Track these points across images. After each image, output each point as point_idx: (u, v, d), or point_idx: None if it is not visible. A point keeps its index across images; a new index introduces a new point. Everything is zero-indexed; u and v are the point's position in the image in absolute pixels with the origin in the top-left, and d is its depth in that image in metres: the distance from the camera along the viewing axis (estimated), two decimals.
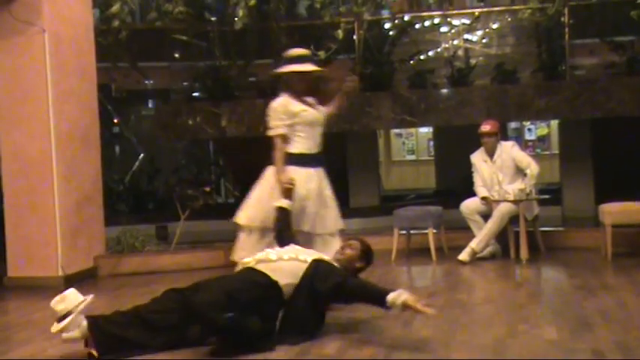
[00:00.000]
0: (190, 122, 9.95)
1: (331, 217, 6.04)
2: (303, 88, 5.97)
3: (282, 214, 5.64)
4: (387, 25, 10.68)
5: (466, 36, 10.57)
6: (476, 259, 7.93)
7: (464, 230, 8.28)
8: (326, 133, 9.49)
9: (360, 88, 10.05)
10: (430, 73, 10.11)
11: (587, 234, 8.64)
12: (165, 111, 10.90)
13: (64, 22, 7.73)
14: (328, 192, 6.05)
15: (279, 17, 10.20)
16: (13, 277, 7.58)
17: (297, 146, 5.92)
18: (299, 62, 5.94)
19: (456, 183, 11.13)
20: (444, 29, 10.72)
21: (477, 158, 8.37)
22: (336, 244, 5.77)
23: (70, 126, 7.76)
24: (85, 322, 4.58)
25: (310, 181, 5.90)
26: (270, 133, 5.92)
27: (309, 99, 6.05)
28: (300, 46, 10.08)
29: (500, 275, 7.52)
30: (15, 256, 7.60)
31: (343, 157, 11.79)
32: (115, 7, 9.94)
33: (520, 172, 8.13)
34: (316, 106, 6.05)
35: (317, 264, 4.88)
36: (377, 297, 4.65)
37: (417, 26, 10.69)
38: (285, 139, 5.89)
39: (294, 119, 5.89)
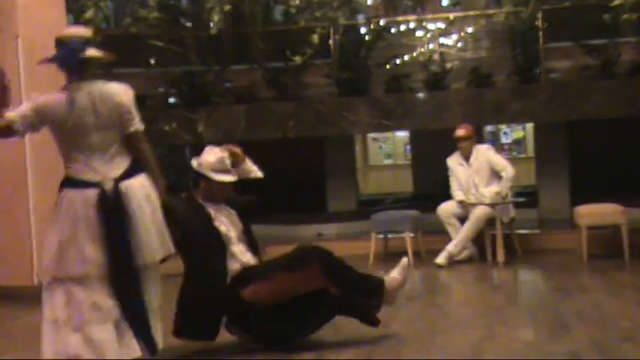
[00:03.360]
0: (167, 128, 9.91)
1: None
2: None
3: None
4: (362, 30, 10.68)
5: (441, 40, 10.59)
6: (453, 262, 7.95)
7: (441, 234, 8.30)
8: (303, 139, 9.54)
9: (336, 93, 10.07)
10: (406, 77, 10.13)
11: (563, 236, 8.69)
12: (141, 117, 10.83)
13: (38, 28, 7.65)
14: None
15: (254, 22, 10.18)
16: None
17: None
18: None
19: (433, 187, 11.16)
20: (419, 33, 10.74)
21: (454, 162, 8.39)
22: None
23: (44, 133, 7.64)
24: None
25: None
26: (140, 126, 4.63)
27: None
28: (277, 52, 10.24)
29: (477, 278, 7.55)
30: None
31: (321, 162, 11.79)
32: (89, 13, 9.88)
33: (496, 175, 8.17)
34: None
35: None
36: None
37: (393, 30, 10.70)
38: None
39: None
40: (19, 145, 7.39)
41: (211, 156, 4.97)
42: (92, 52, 4.55)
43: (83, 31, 4.73)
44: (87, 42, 4.59)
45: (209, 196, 4.98)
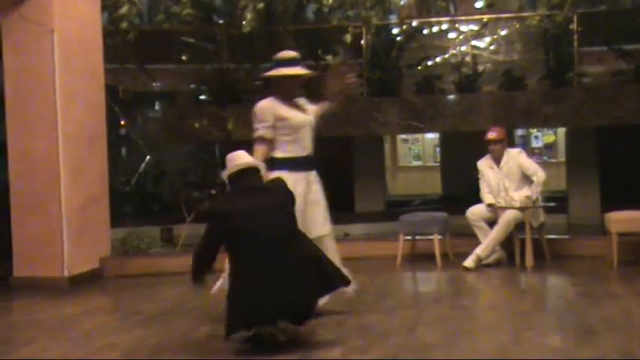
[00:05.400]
0: (197, 125, 9.97)
1: (314, 220, 5.73)
2: (293, 91, 5.81)
3: None
4: (395, 30, 10.68)
5: (474, 42, 10.57)
6: (481, 265, 7.91)
7: (469, 237, 8.26)
8: (332, 138, 9.55)
9: (366, 93, 10.06)
10: (437, 78, 10.11)
11: (592, 242, 8.60)
12: (171, 113, 10.92)
13: (73, 23, 7.75)
14: (315, 196, 5.79)
15: (286, 21, 10.21)
16: (18, 276, 7.58)
17: (284, 150, 5.69)
18: (289, 65, 5.77)
19: (462, 189, 11.11)
20: (451, 35, 10.72)
21: (484, 165, 8.35)
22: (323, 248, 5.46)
23: (77, 126, 7.77)
24: None
25: (297, 186, 5.55)
26: (254, 134, 5.71)
27: (299, 101, 5.88)
28: (308, 51, 10.24)
29: (505, 282, 7.51)
30: (20, 256, 7.60)
31: (349, 162, 11.79)
32: (124, 9, 9.97)
33: (526, 179, 8.12)
34: (305, 109, 5.85)
35: None
36: None
37: (425, 32, 10.69)
38: (267, 141, 5.66)
39: (280, 123, 5.66)
40: (51, 139, 7.48)
41: None
42: (276, 71, 5.74)
43: (281, 54, 5.88)
44: (277, 63, 5.78)
45: None
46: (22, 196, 7.60)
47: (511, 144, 9.70)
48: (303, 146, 5.73)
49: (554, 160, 18.13)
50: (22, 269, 7.59)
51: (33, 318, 6.15)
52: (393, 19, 10.91)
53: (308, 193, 5.71)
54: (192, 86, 10.94)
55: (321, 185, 5.86)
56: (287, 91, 5.76)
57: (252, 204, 4.76)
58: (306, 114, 5.81)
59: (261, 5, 9.86)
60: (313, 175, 5.81)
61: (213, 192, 9.49)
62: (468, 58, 10.33)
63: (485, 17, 10.63)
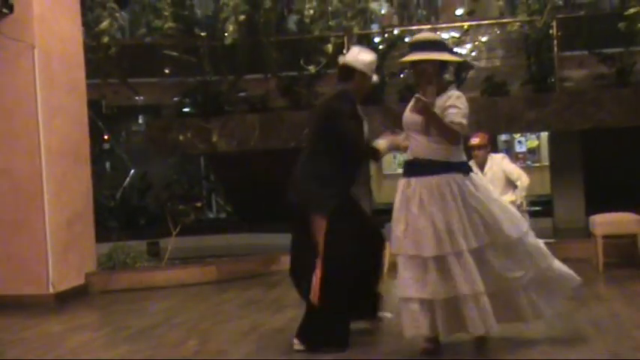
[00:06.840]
0: (181, 138, 9.94)
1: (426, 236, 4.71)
2: (423, 81, 4.81)
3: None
4: (376, 39, 10.70)
5: (455, 49, 10.59)
6: None
7: None
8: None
9: None
10: None
11: (578, 245, 8.63)
12: (155, 126, 10.88)
13: (54, 38, 7.72)
14: (433, 207, 4.71)
15: (268, 32, 10.21)
16: (2, 294, 7.51)
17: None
18: (419, 49, 4.77)
19: None
20: None
21: None
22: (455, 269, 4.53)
23: (60, 142, 7.73)
24: None
25: (399, 192, 4.98)
26: None
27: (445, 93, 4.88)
28: (291, 61, 10.26)
29: None
30: (5, 273, 7.53)
31: None
32: (105, 24, 9.95)
33: (511, 184, 8.14)
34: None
35: None
36: None
37: (407, 40, 10.72)
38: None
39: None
40: (34, 155, 7.44)
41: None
42: (413, 55, 4.79)
43: (416, 36, 5.03)
44: (412, 46, 4.85)
45: None
46: (5, 212, 7.53)
47: (495, 149, 9.72)
48: (412, 148, 4.89)
49: (537, 165, 18.18)
50: (6, 287, 7.52)
51: (18, 336, 6.10)
52: (375, 28, 10.94)
53: (411, 200, 4.85)
54: (175, 99, 10.93)
55: (449, 194, 4.71)
56: (419, 81, 4.89)
57: None
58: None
59: (242, 17, 9.87)
60: (426, 181, 4.76)
61: (199, 205, 9.47)
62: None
63: (466, 24, 10.67)
